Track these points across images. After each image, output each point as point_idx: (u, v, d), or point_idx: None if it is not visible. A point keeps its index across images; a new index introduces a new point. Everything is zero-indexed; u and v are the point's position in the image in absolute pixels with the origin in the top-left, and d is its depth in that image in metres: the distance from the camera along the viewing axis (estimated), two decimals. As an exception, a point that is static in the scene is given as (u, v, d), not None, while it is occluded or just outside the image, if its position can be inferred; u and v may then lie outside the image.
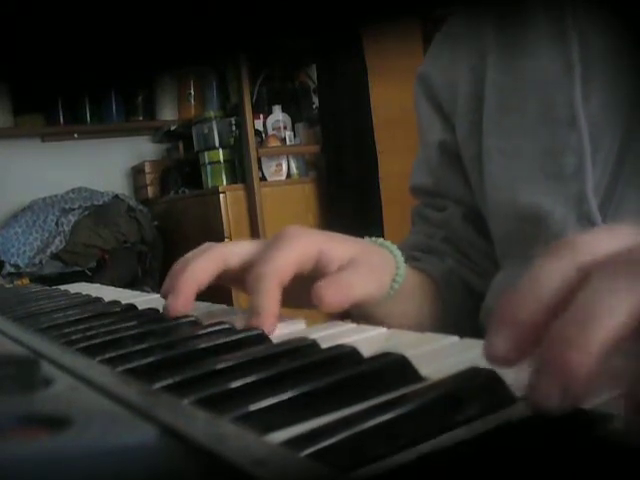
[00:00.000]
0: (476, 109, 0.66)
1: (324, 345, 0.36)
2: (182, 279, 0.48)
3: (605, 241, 0.28)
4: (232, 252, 0.50)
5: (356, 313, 0.59)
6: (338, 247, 0.50)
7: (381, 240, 0.59)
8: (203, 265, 0.49)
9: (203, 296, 0.53)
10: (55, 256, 2.84)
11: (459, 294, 0.69)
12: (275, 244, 0.48)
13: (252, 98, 2.89)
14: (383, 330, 0.43)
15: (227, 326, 0.44)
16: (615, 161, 0.56)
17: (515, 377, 0.27)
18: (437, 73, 0.71)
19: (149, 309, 0.54)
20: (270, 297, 0.45)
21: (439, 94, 0.71)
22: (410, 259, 0.67)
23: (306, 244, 0.49)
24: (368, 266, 0.51)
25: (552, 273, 0.27)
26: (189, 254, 0.51)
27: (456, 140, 0.69)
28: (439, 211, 0.73)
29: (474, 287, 0.70)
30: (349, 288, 0.47)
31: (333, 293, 0.45)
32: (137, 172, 3.32)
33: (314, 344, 0.37)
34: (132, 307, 0.55)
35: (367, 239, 0.59)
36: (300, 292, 0.49)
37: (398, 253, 0.58)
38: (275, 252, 0.48)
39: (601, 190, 0.56)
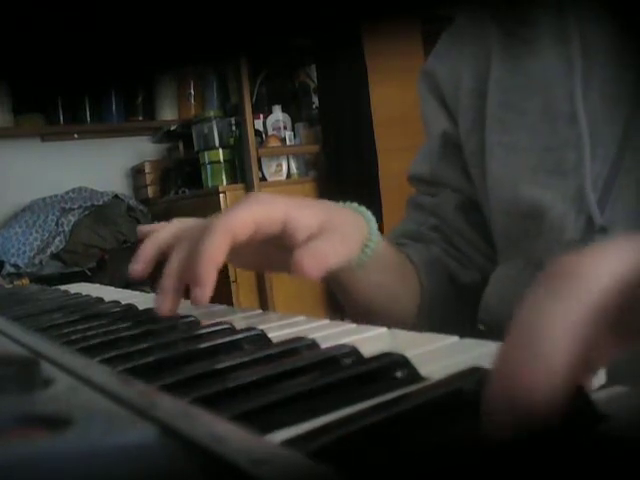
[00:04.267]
0: (478, 105, 0.67)
1: (324, 345, 0.36)
2: (166, 281, 0.49)
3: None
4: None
5: (331, 281, 0.59)
6: (306, 213, 0.51)
7: (356, 205, 0.59)
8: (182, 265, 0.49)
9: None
10: (55, 256, 2.84)
11: (440, 282, 0.69)
12: (237, 205, 0.49)
13: (252, 98, 2.89)
14: (383, 330, 0.43)
15: (227, 326, 0.44)
16: (614, 155, 0.56)
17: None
18: (442, 70, 0.72)
19: (149, 309, 0.54)
20: (216, 243, 0.46)
21: (443, 89, 0.72)
22: (397, 246, 0.68)
23: (269, 208, 0.50)
24: (339, 234, 0.51)
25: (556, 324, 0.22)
26: (160, 235, 0.53)
27: (459, 133, 0.70)
28: (432, 197, 0.74)
29: (458, 277, 0.70)
30: (325, 257, 0.47)
31: (311, 263, 0.46)
32: (137, 172, 3.32)
33: (314, 344, 0.37)
34: (132, 307, 0.55)
35: (341, 204, 0.58)
36: (270, 254, 0.51)
37: (372, 219, 0.58)
38: (232, 210, 0.48)
39: (600, 184, 0.57)
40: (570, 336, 0.22)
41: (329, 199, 0.58)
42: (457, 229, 0.72)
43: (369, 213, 0.58)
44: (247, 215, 0.48)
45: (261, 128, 2.94)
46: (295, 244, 0.49)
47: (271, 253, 0.53)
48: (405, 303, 0.66)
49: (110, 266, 2.87)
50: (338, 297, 0.64)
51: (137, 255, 0.51)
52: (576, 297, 0.22)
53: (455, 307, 0.70)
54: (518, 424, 0.21)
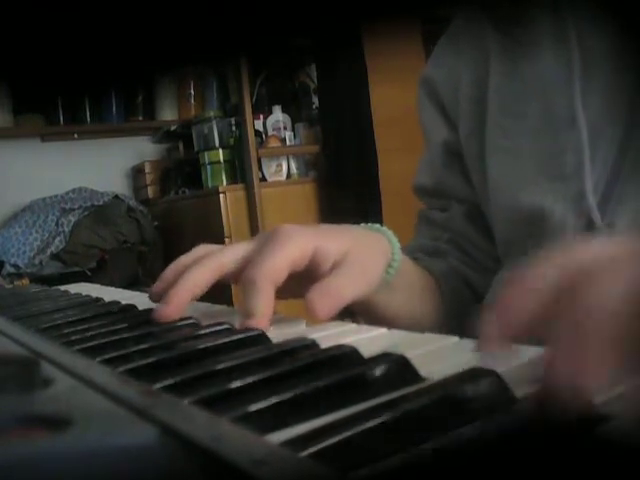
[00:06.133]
0: (478, 111, 0.67)
1: (324, 345, 0.36)
2: (176, 289, 0.48)
3: (593, 249, 0.30)
4: (229, 260, 0.50)
5: (357, 309, 0.59)
6: (332, 243, 0.50)
7: (377, 226, 0.59)
8: (199, 276, 0.48)
9: (203, 296, 0.53)
10: (55, 256, 2.84)
11: (460, 291, 0.69)
12: (269, 245, 0.48)
13: (252, 98, 2.89)
14: (383, 330, 0.43)
15: (227, 326, 0.44)
16: (615, 159, 0.56)
17: (516, 378, 0.27)
18: (440, 76, 0.72)
19: (149, 309, 0.54)
20: (264, 300, 0.46)
21: (442, 96, 0.72)
22: (415, 260, 0.68)
23: (301, 244, 0.49)
24: (360, 263, 0.51)
25: (541, 271, 0.30)
26: (184, 258, 0.52)
27: (459, 140, 0.70)
28: (442, 211, 0.74)
29: (477, 286, 0.70)
30: (338, 294, 0.47)
31: (324, 304, 0.46)
32: (137, 172, 3.32)
33: (314, 344, 0.37)
34: (132, 307, 0.55)
35: (363, 225, 0.59)
36: (295, 285, 0.50)
37: (394, 239, 0.58)
38: (269, 254, 0.48)
39: (601, 187, 0.57)
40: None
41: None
42: (469, 238, 0.72)
43: (390, 232, 0.58)
44: (284, 259, 0.48)
45: (261, 128, 2.94)
46: (320, 275, 0.49)
47: (294, 282, 0.51)
48: (427, 317, 0.66)
49: (110, 266, 2.87)
50: (359, 315, 0.63)
51: (169, 297, 0.49)
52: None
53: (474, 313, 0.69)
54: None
